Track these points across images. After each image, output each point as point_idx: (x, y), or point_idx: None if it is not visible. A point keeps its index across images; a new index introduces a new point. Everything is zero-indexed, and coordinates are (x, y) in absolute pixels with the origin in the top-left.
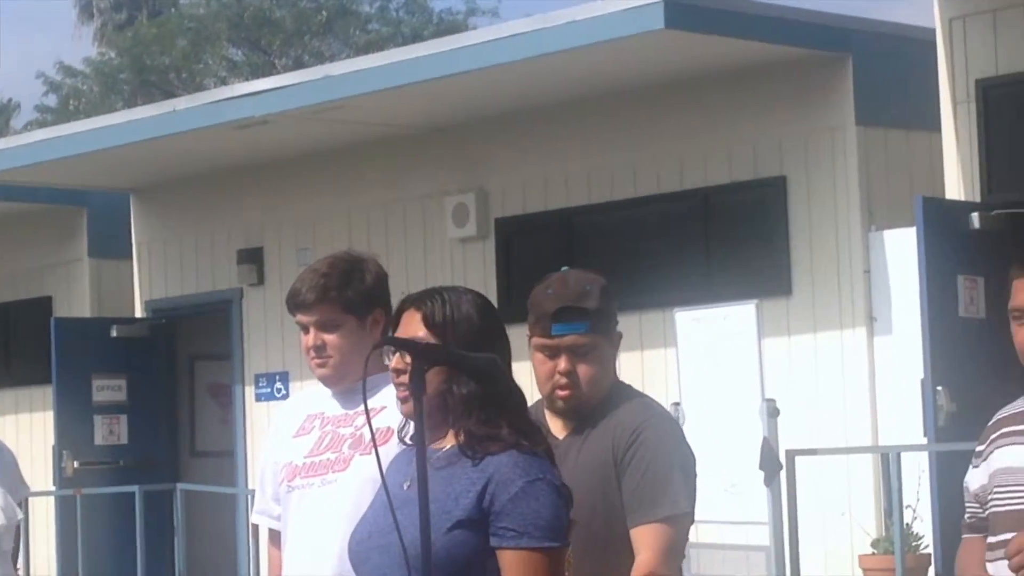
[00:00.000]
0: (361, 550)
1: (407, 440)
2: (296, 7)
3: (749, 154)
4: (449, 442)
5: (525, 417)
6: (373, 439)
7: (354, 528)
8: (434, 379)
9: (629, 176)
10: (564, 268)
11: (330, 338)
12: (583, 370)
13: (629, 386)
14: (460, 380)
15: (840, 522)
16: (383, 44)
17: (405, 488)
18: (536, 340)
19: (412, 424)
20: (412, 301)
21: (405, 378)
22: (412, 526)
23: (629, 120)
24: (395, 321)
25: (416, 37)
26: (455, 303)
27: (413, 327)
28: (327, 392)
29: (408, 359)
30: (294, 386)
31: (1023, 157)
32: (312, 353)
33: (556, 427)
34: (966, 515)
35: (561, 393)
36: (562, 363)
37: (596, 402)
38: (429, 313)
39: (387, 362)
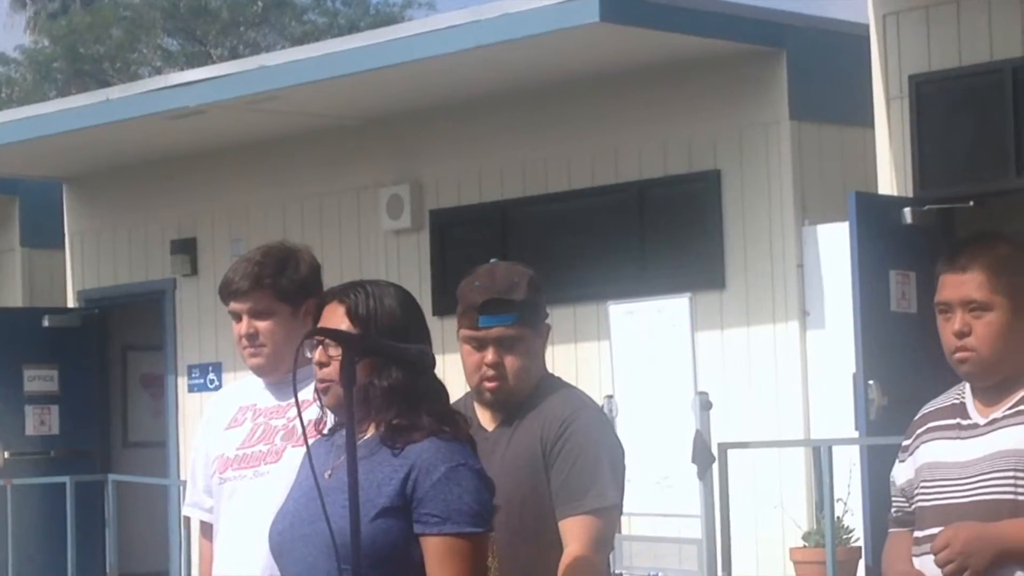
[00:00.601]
0: (283, 541)
1: (324, 431)
2: None
3: (683, 148)
4: (369, 432)
5: (446, 407)
6: (303, 431)
7: (273, 520)
8: (358, 372)
9: (563, 169)
10: (492, 260)
11: (263, 326)
12: (510, 362)
13: (558, 378)
14: (382, 373)
15: (772, 515)
16: (319, 35)
17: (327, 477)
18: (463, 332)
19: (330, 415)
20: (335, 294)
21: (329, 371)
22: (336, 515)
23: (564, 113)
24: (316, 314)
25: (352, 28)
26: (378, 296)
27: (336, 320)
28: (259, 383)
29: (331, 352)
30: (227, 377)
31: (955, 153)
32: (245, 342)
33: (485, 419)
34: (892, 509)
35: (488, 385)
36: (489, 355)
37: (524, 394)
38: (352, 306)
39: (308, 355)
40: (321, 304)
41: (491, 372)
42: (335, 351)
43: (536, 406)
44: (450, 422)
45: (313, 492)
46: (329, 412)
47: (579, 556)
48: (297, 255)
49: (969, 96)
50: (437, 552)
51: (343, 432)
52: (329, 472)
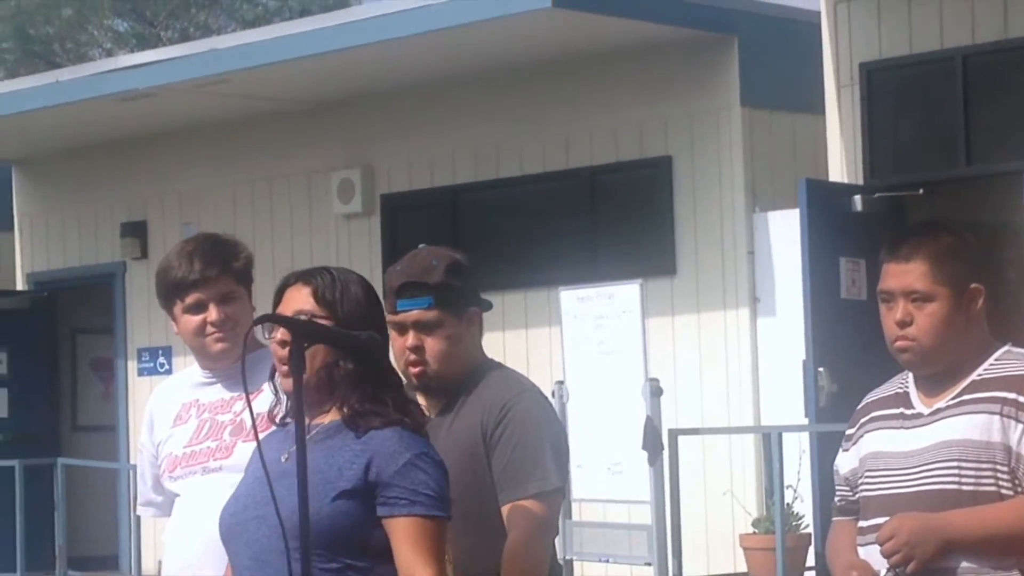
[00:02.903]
0: (235, 523)
1: (278, 419)
2: None
3: (635, 134)
4: (330, 417)
5: (406, 397)
6: (254, 424)
7: (225, 503)
8: (320, 353)
9: (515, 154)
10: (421, 245)
11: (231, 310)
12: (431, 345)
13: (498, 363)
14: (346, 356)
15: (722, 501)
16: (270, 18)
17: (283, 461)
18: (388, 317)
19: (284, 400)
20: (299, 276)
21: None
22: (291, 497)
23: (515, 98)
24: (278, 297)
25: (304, 11)
26: (344, 282)
27: (301, 301)
28: (195, 378)
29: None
30: (177, 361)
31: (905, 140)
32: (212, 328)
33: (425, 406)
34: (836, 498)
35: (412, 369)
36: (409, 339)
37: (453, 379)
38: (319, 289)
39: (265, 338)
40: (283, 286)
41: (412, 356)
42: None
43: (475, 391)
44: (410, 413)
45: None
46: (284, 397)
47: (522, 543)
48: (236, 241)
49: (919, 84)
50: (408, 532)
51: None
52: (285, 456)
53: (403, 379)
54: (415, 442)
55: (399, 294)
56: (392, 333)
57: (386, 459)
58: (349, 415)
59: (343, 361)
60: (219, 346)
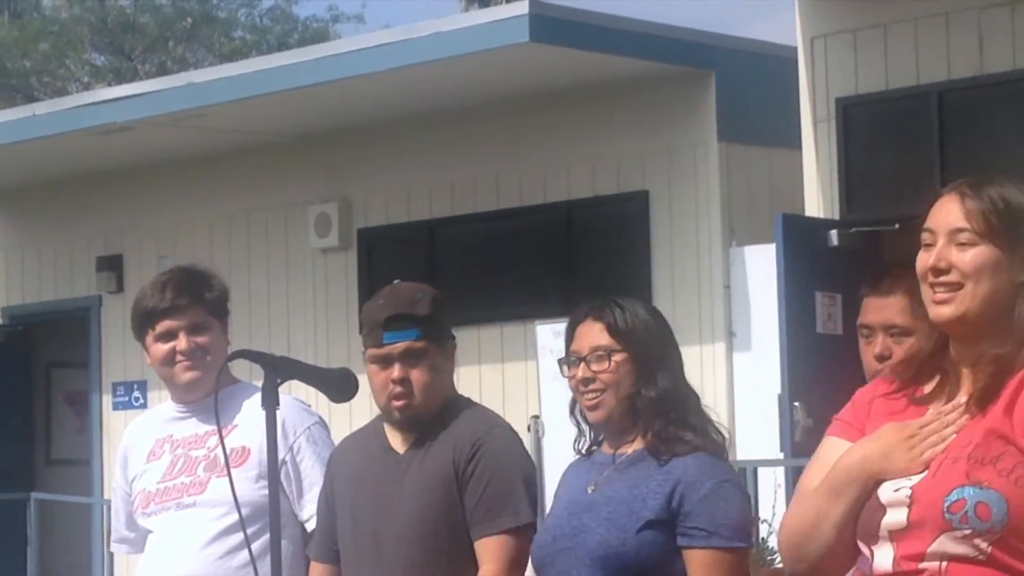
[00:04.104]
0: (545, 555)
1: (582, 450)
2: (160, 13)
3: (612, 168)
4: (635, 445)
5: (708, 419)
6: (226, 459)
7: (536, 536)
8: (624, 382)
9: (492, 188)
10: (396, 281)
11: (203, 340)
12: (416, 377)
13: (468, 399)
14: (648, 383)
15: None
16: (248, 52)
17: (589, 492)
18: (369, 352)
19: (587, 432)
20: (588, 312)
21: (596, 385)
22: (600, 527)
23: (493, 132)
24: (570, 334)
25: (281, 45)
26: (633, 310)
27: (594, 336)
28: (168, 413)
29: (594, 368)
30: (152, 396)
31: (881, 175)
32: (181, 357)
33: (396, 441)
34: None
35: (396, 403)
36: (395, 371)
37: (432, 412)
38: (611, 322)
39: (566, 374)
40: (573, 323)
41: (398, 389)
42: (598, 366)
43: (446, 427)
44: (712, 438)
45: (573, 507)
46: (588, 428)
47: None
48: (212, 273)
49: (895, 119)
50: (703, 565)
51: (602, 450)
52: (592, 487)
53: (384, 413)
54: (718, 469)
55: (386, 327)
56: (372, 368)
57: (689, 488)
58: (653, 442)
59: (644, 389)
60: (187, 375)
